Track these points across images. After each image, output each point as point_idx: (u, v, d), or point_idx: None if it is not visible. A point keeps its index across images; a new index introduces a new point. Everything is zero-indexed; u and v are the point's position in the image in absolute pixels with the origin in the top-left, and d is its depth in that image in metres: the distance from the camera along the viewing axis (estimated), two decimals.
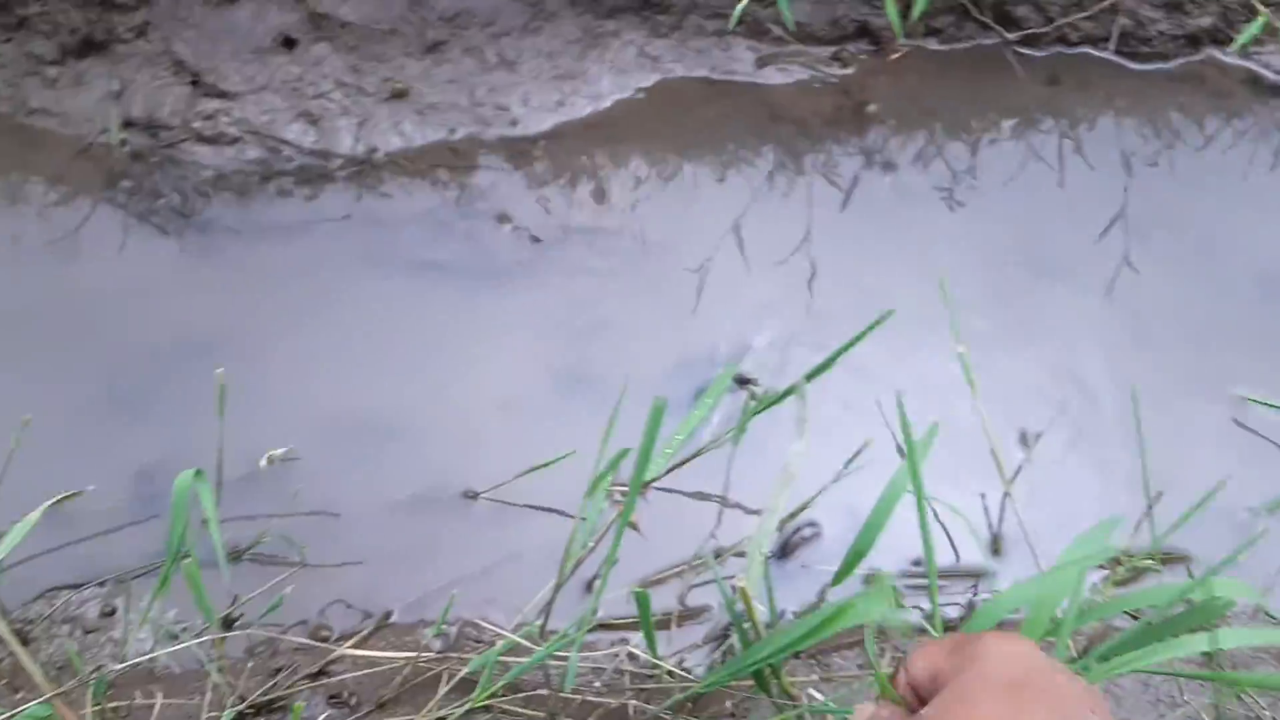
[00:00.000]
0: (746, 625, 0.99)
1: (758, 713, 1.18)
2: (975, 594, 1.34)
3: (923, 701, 0.77)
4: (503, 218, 1.72)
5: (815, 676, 1.27)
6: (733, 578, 0.97)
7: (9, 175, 1.78)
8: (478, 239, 1.70)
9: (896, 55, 1.89)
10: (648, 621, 1.01)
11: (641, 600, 0.99)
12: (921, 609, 1.35)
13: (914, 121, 1.88)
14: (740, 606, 0.96)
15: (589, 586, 1.39)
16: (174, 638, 1.28)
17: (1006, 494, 1.24)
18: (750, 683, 1.23)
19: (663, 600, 1.36)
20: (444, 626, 1.34)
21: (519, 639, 1.18)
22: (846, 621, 0.87)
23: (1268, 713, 1.21)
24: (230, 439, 1.35)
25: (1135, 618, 1.29)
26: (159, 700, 1.20)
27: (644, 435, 1.01)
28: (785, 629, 0.93)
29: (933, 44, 1.94)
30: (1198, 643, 0.92)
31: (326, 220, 1.72)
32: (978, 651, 0.71)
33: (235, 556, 1.39)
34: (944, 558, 1.39)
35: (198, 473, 1.10)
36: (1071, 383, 1.54)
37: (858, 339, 1.04)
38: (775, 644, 0.92)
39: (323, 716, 1.22)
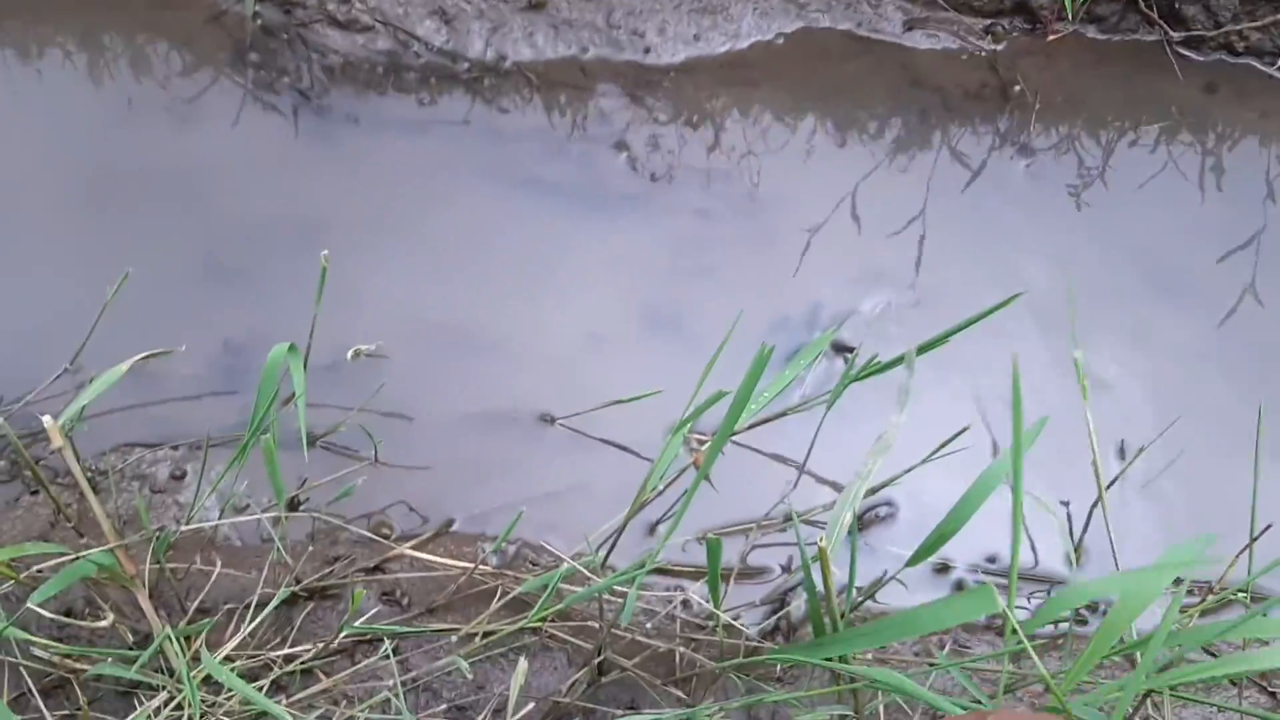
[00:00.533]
0: (820, 591, 0.96)
1: (808, 679, 1.15)
2: (1047, 600, 1.30)
3: None
4: (620, 146, 1.69)
5: (870, 656, 1.24)
6: (812, 544, 0.95)
7: (136, 35, 1.79)
8: (592, 164, 1.67)
9: (1054, 37, 1.81)
10: (715, 570, 0.98)
11: (712, 548, 0.97)
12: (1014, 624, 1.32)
13: (1059, 109, 1.80)
14: (817, 570, 0.93)
15: (652, 529, 1.37)
16: (240, 510, 1.28)
17: (1098, 503, 1.19)
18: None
19: (726, 555, 1.34)
20: (504, 544, 1.33)
21: (580, 568, 1.16)
22: (947, 619, 0.84)
23: None
24: (322, 326, 1.35)
25: (1214, 655, 1.24)
26: (217, 568, 1.20)
27: (744, 382, 0.98)
28: (883, 620, 0.90)
29: (1092, 31, 1.86)
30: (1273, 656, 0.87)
31: (445, 123, 1.70)
32: None
33: (310, 442, 1.40)
34: (1022, 560, 1.34)
35: (292, 347, 1.09)
36: (1179, 403, 1.48)
37: (980, 317, 1.00)
38: (864, 634, 0.89)
39: (373, 610, 1.21)
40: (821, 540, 0.92)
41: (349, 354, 1.44)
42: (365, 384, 1.43)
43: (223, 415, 1.43)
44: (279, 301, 1.50)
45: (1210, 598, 0.94)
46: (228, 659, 1.14)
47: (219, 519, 1.29)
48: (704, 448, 1.39)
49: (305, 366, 1.36)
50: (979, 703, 1.00)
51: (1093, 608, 1.29)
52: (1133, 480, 1.38)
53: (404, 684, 1.17)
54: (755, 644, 1.05)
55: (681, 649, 1.21)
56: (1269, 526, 0.96)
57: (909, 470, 1.25)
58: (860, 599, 1.13)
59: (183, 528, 1.16)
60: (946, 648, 1.21)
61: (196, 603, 1.20)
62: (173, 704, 1.05)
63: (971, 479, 0.99)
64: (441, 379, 1.46)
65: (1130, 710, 1.05)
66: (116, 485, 1.37)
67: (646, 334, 1.52)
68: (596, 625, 1.20)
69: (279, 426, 1.37)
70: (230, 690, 1.07)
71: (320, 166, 1.66)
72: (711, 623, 1.20)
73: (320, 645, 1.15)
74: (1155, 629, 0.89)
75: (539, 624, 1.22)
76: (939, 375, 1.46)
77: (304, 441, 1.15)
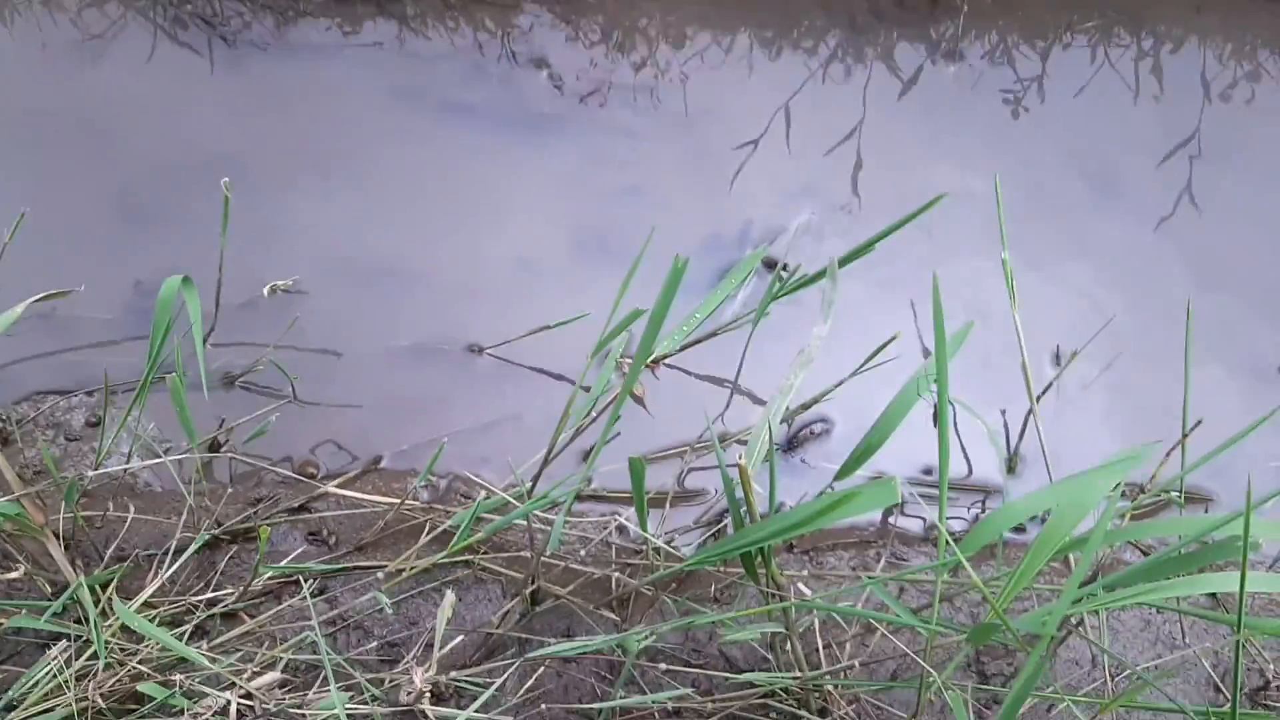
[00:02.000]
0: (743, 509, 0.94)
1: (743, 600, 1.14)
2: (984, 510, 1.29)
3: None
4: (541, 64, 1.63)
5: (806, 573, 1.23)
6: (736, 464, 0.92)
7: None
8: (513, 85, 1.62)
9: None
10: (640, 492, 0.96)
11: (635, 468, 0.94)
12: (925, 519, 1.31)
13: (988, 12, 1.76)
14: (739, 488, 0.90)
15: (585, 457, 1.34)
16: (154, 454, 1.24)
17: (1032, 411, 1.17)
18: (739, 570, 1.19)
19: (660, 479, 1.32)
20: (433, 479, 1.30)
21: (507, 497, 1.13)
22: (849, 510, 0.82)
23: (1271, 666, 1.16)
24: (236, 264, 1.30)
25: (1146, 554, 1.24)
26: (130, 514, 1.17)
27: (660, 295, 0.95)
28: (783, 515, 0.89)
29: None
30: (1219, 580, 0.86)
31: (358, 46, 1.64)
32: None
33: (229, 382, 1.36)
34: (955, 470, 1.33)
35: (185, 280, 1.05)
36: (1112, 307, 1.46)
37: (902, 223, 0.97)
38: (771, 527, 0.87)
39: (299, 551, 1.18)
40: (742, 458, 0.89)
41: (265, 290, 1.39)
42: (285, 322, 1.39)
43: (140, 359, 1.38)
44: (192, 240, 1.44)
45: (1142, 497, 0.93)
46: (148, 605, 1.11)
47: (131, 463, 1.24)
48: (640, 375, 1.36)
49: (218, 304, 1.32)
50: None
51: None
52: (1069, 386, 1.37)
53: (332, 623, 1.14)
54: (691, 567, 1.02)
55: (616, 574, 1.19)
56: (1199, 422, 0.94)
57: (839, 384, 1.23)
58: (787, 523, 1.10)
59: (91, 473, 1.12)
60: (882, 561, 1.20)
61: (113, 550, 1.16)
62: (87, 654, 1.02)
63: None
64: (365, 313, 1.42)
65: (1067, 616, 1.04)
66: (29, 435, 1.32)
67: (574, 258, 1.48)
68: (528, 555, 1.18)
69: (197, 367, 1.33)
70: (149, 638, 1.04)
71: (231, 98, 1.59)
72: (648, 551, 1.18)
73: (241, 589, 1.12)
74: (1091, 531, 0.88)
75: (469, 558, 1.20)
76: (876, 292, 1.44)
77: (203, 375, 1.11)
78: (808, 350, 0.97)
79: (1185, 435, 0.95)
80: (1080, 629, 1.15)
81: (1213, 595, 1.21)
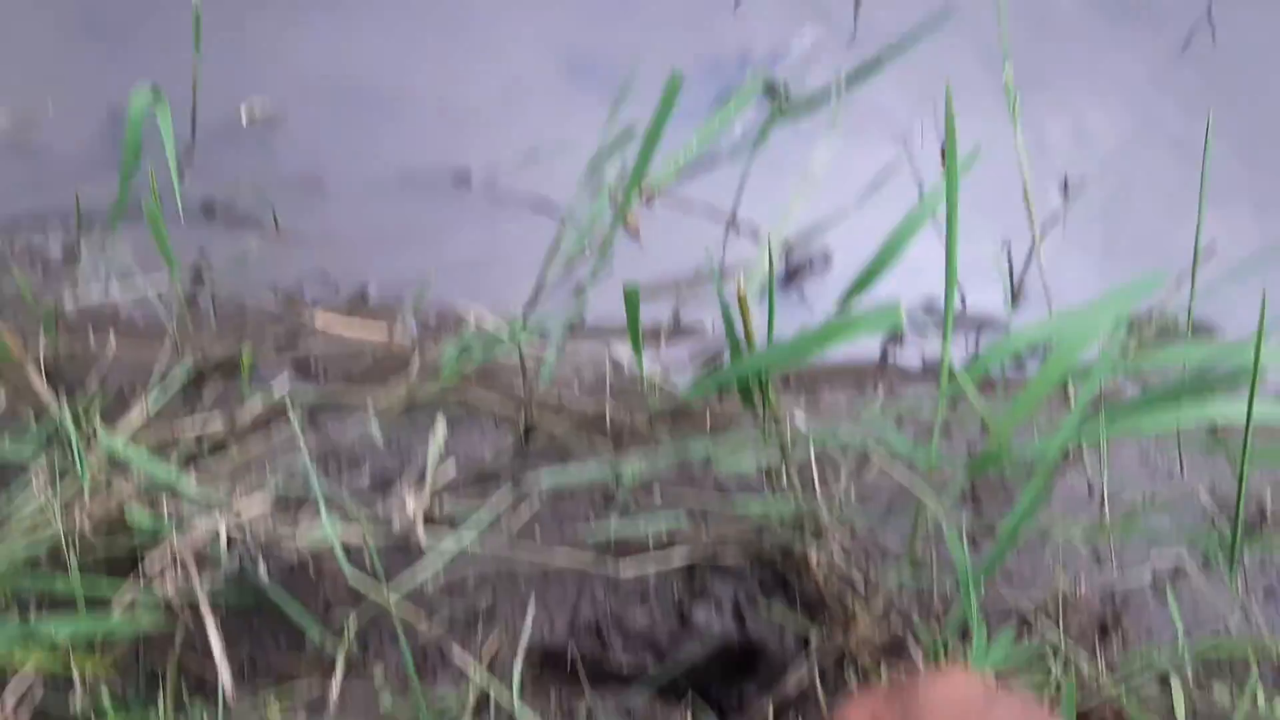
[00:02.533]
0: (740, 337, 0.91)
1: (739, 431, 1.12)
2: (978, 345, 1.27)
3: None
4: None
5: (801, 405, 1.21)
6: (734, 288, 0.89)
7: None
8: None
9: None
10: (635, 321, 0.93)
11: (630, 296, 0.91)
12: (924, 355, 1.29)
13: None
14: (737, 315, 0.87)
15: (581, 292, 1.31)
16: (133, 284, 1.20)
17: (1034, 243, 1.14)
18: (736, 407, 1.18)
19: (656, 315, 1.29)
20: (422, 311, 1.27)
21: (497, 329, 1.11)
22: (853, 333, 0.79)
23: (1270, 498, 1.16)
24: (215, 89, 1.24)
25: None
26: (111, 344, 1.14)
27: (655, 114, 0.90)
28: (783, 342, 0.86)
29: None
30: (1225, 406, 0.84)
31: None
32: (911, 706, 0.67)
33: (208, 213, 1.31)
34: (956, 302, 1.31)
35: (155, 92, 0.99)
36: (1123, 138, 1.41)
37: (909, 43, 0.92)
38: (770, 353, 0.85)
39: (284, 378, 1.16)
40: (740, 282, 0.86)
41: (242, 112, 1.33)
42: (266, 149, 1.33)
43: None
44: (166, 61, 1.37)
45: (1149, 326, 0.91)
46: (134, 437, 1.09)
47: (109, 291, 1.21)
48: (633, 206, 1.31)
49: (195, 128, 1.27)
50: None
51: (1031, 349, 1.27)
52: (1075, 219, 1.33)
53: (323, 455, 1.13)
54: (688, 397, 1.01)
55: (611, 409, 1.17)
56: (1213, 245, 0.91)
57: (841, 213, 1.18)
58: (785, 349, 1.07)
59: (70, 301, 1.09)
60: (880, 394, 1.18)
61: (95, 382, 1.14)
62: (72, 482, 1.00)
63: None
64: (348, 140, 1.36)
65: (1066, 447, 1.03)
66: (5, 265, 1.28)
67: (566, 81, 1.42)
68: (521, 390, 1.16)
69: (174, 199, 1.28)
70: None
71: None
72: (642, 386, 1.16)
73: (229, 418, 1.09)
74: (1094, 361, 0.86)
75: (461, 391, 1.18)
76: (879, 121, 1.38)
77: (177, 194, 1.06)
78: (811, 171, 0.93)
79: (1197, 261, 0.92)
80: (1079, 458, 1.14)
81: (1212, 432, 1.20)
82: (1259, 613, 1.11)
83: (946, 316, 0.79)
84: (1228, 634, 1.08)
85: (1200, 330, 1.23)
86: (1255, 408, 0.82)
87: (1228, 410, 0.83)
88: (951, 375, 0.88)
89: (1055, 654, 0.99)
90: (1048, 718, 0.66)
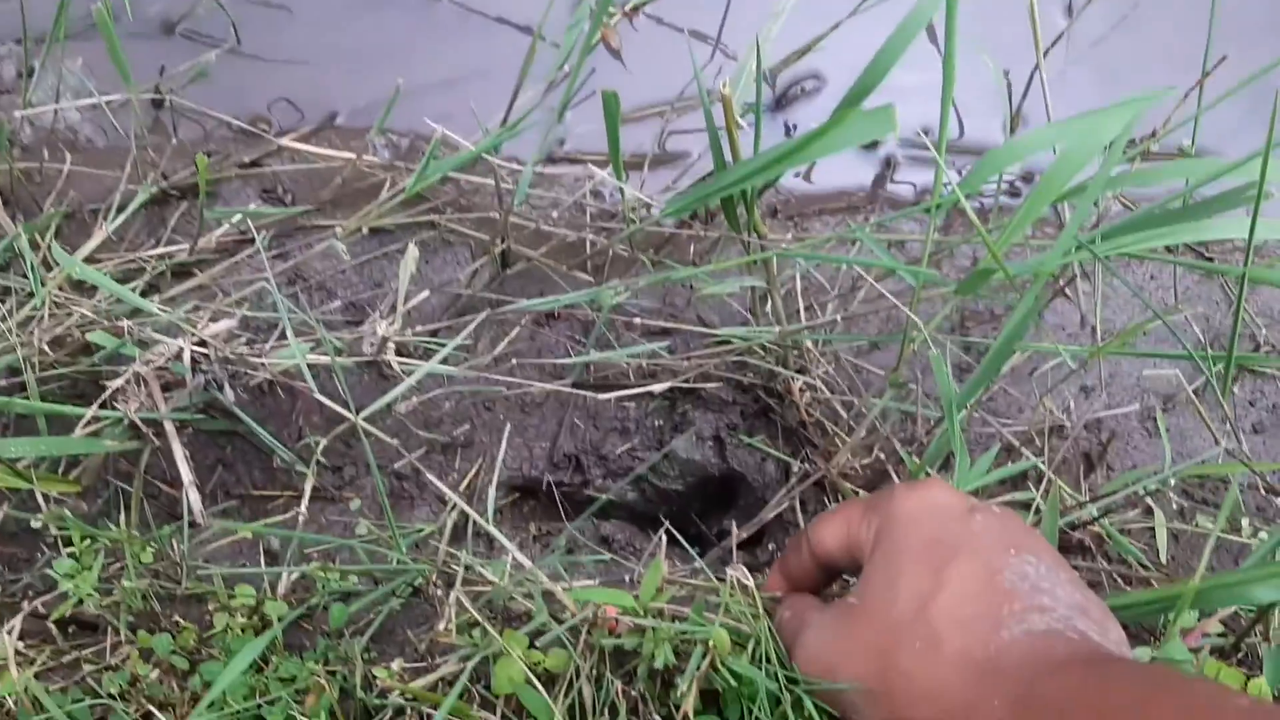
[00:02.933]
0: (725, 149, 0.87)
1: (724, 254, 1.08)
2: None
3: (833, 576, 0.75)
4: None
5: (790, 236, 1.18)
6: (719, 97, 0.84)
7: None
8: None
9: None
10: (614, 129, 0.88)
11: (609, 103, 0.86)
12: (916, 185, 1.24)
13: None
14: (721, 119, 0.83)
15: (560, 115, 1.25)
16: (87, 98, 1.14)
17: (1038, 65, 1.08)
18: (721, 234, 1.14)
19: (639, 141, 1.24)
20: (393, 136, 1.22)
21: (471, 148, 1.05)
22: (843, 137, 0.75)
23: (1264, 331, 1.13)
24: None
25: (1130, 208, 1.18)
26: (67, 165, 1.08)
27: None
28: (769, 150, 0.81)
29: None
30: (1228, 226, 0.81)
31: None
32: (889, 514, 0.66)
33: (168, 29, 1.24)
34: (951, 129, 1.25)
35: None
36: None
37: None
38: (755, 163, 0.80)
39: (252, 205, 1.11)
40: (724, 87, 0.81)
41: None
42: None
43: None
44: None
45: (1150, 142, 0.86)
46: (94, 260, 1.05)
47: (63, 104, 1.15)
48: (612, 21, 1.25)
49: None
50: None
51: (1027, 179, 1.22)
52: (1080, 40, 1.26)
53: (292, 282, 1.09)
54: (668, 215, 0.96)
55: (591, 236, 1.13)
56: (1223, 58, 0.86)
57: (834, 27, 1.12)
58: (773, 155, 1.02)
59: (19, 113, 1.03)
60: (871, 222, 1.14)
61: (52, 202, 1.09)
62: (30, 306, 0.97)
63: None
64: None
65: (1060, 269, 1.00)
66: None
67: None
68: (497, 216, 1.11)
69: (136, 21, 1.21)
70: (101, 292, 0.99)
71: None
72: (623, 209, 1.12)
73: (192, 241, 1.05)
74: (1092, 178, 0.82)
75: (434, 218, 1.14)
76: None
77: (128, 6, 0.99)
78: None
79: (1205, 74, 0.87)
80: (1069, 288, 1.11)
81: (1208, 260, 1.17)
82: (1245, 447, 1.10)
83: (943, 119, 0.75)
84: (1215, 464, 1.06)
85: (1204, 155, 1.18)
86: (1260, 227, 0.79)
87: (1224, 230, 0.79)
88: (946, 190, 0.84)
89: (1039, 480, 0.98)
90: (1025, 528, 0.65)
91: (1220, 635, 0.85)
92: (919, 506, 0.65)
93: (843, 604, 0.66)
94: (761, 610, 0.72)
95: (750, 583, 0.73)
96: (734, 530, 0.90)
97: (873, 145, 1.24)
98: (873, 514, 0.68)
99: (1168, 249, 1.16)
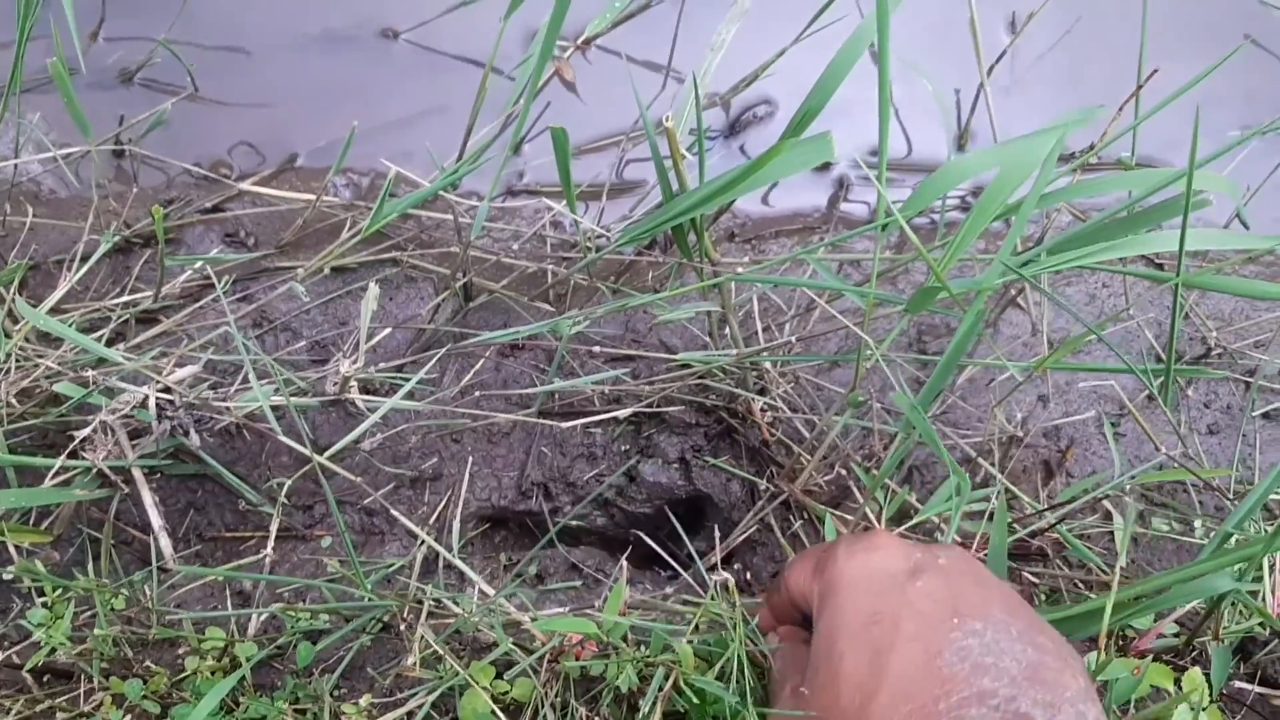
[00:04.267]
0: (671, 177, 0.88)
1: (682, 280, 1.10)
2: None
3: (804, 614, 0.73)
4: None
5: (747, 259, 1.20)
6: (662, 129, 0.85)
7: None
8: None
9: None
10: (565, 163, 0.90)
11: (558, 138, 0.87)
12: (870, 203, 1.26)
13: None
14: (666, 156, 0.84)
15: (519, 149, 1.27)
16: (45, 150, 1.15)
17: (982, 82, 1.10)
18: (679, 259, 1.15)
19: (596, 171, 1.26)
20: (354, 176, 1.23)
21: (428, 185, 1.07)
22: (783, 166, 0.77)
23: (1214, 334, 1.15)
24: None
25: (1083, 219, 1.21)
26: (30, 217, 1.10)
27: None
28: (713, 180, 0.83)
29: None
30: (1162, 239, 0.83)
31: None
32: (830, 580, 0.65)
33: (126, 79, 1.25)
34: (898, 150, 1.28)
35: None
36: None
37: None
38: (700, 193, 0.82)
39: (215, 251, 1.13)
40: (667, 120, 0.83)
41: None
42: (184, 10, 1.27)
43: (36, 59, 1.27)
44: None
45: (1089, 155, 0.88)
46: (59, 310, 1.06)
47: (21, 157, 1.16)
48: (566, 55, 1.27)
49: None
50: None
51: (977, 192, 1.24)
52: (1024, 56, 1.29)
53: (258, 325, 1.11)
54: (622, 244, 0.98)
55: (551, 267, 1.15)
56: (1155, 71, 0.88)
57: (780, 54, 1.14)
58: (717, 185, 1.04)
59: None
60: (824, 242, 1.16)
61: (15, 255, 1.10)
62: None
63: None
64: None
65: (1003, 284, 1.02)
66: None
67: None
68: (458, 250, 1.13)
69: (91, 64, 1.23)
70: (67, 342, 1.00)
71: None
72: (580, 240, 1.13)
73: (156, 289, 1.06)
74: (1028, 192, 0.84)
75: (396, 255, 1.15)
76: None
77: (79, 49, 1.00)
78: (741, 1, 0.89)
79: (1141, 84, 0.89)
80: (1021, 298, 1.13)
81: (1160, 267, 1.19)
82: (1200, 448, 1.12)
83: (882, 145, 0.77)
84: (1171, 468, 1.08)
85: (1153, 163, 1.21)
86: (1194, 237, 0.81)
87: (1159, 243, 0.81)
88: (888, 214, 0.86)
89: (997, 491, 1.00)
90: (975, 580, 0.63)
91: (1175, 635, 0.87)
92: (859, 572, 0.64)
93: (798, 687, 0.65)
94: (740, 619, 0.73)
95: (736, 597, 0.74)
96: (696, 557, 0.92)
97: (825, 167, 1.26)
98: (819, 572, 0.67)
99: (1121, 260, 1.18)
